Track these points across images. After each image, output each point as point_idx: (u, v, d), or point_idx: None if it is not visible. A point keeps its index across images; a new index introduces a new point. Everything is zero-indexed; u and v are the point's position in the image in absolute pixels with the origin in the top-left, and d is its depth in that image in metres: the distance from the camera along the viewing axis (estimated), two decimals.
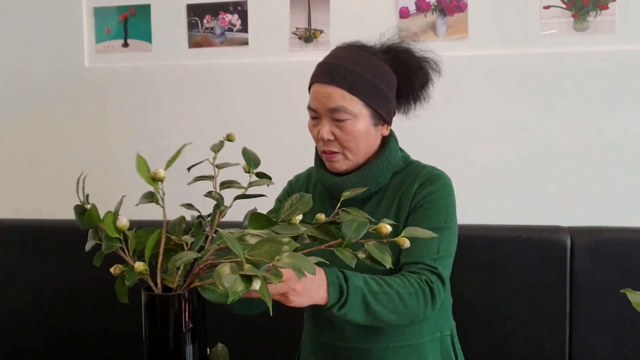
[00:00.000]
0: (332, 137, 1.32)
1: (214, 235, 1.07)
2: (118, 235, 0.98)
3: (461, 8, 2.10)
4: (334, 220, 1.07)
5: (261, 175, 1.18)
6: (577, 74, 2.04)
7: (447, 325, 1.42)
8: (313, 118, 1.35)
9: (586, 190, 2.05)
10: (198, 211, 1.18)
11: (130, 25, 2.37)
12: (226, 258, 0.91)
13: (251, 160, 1.19)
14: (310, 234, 1.05)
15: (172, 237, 1.09)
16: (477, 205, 2.07)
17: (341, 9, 2.19)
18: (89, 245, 1.02)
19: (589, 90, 2.03)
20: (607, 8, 2.01)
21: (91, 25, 2.40)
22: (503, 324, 1.80)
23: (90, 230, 1.05)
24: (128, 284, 0.98)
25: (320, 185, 1.42)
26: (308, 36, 2.22)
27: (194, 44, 2.32)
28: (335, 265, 1.15)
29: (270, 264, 0.87)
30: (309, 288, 1.09)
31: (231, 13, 2.27)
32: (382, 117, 1.34)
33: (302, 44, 2.23)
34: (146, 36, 2.36)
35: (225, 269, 0.84)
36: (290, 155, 1.99)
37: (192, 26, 2.32)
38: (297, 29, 2.23)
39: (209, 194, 1.17)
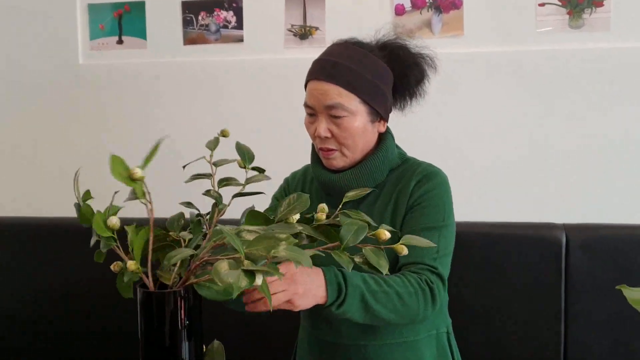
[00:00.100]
0: (329, 135, 1.31)
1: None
2: (111, 234, 0.97)
3: (457, 5, 2.10)
4: (333, 222, 1.07)
5: (257, 170, 1.18)
6: (573, 71, 2.04)
7: (443, 323, 1.42)
8: (310, 115, 1.35)
9: (582, 188, 2.06)
10: (197, 209, 1.17)
11: (125, 22, 2.36)
12: (223, 255, 0.90)
13: (246, 155, 1.19)
14: (308, 234, 1.05)
15: (171, 233, 1.09)
16: (472, 203, 2.07)
17: (336, 6, 2.18)
18: (92, 240, 1.01)
19: (585, 87, 2.04)
20: (602, 5, 2.01)
21: (85, 22, 2.39)
22: (498, 320, 1.80)
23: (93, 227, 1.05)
24: (126, 281, 0.98)
25: (317, 182, 1.41)
26: (303, 33, 2.21)
27: (189, 40, 2.31)
28: (333, 266, 1.15)
29: (268, 258, 0.87)
30: (309, 288, 1.10)
31: (226, 10, 2.27)
32: (379, 114, 1.34)
33: (297, 41, 2.22)
34: (141, 33, 2.35)
35: (223, 265, 0.84)
36: (287, 152, 1.99)
37: (187, 23, 2.31)
38: (292, 25, 2.22)
39: (207, 193, 1.17)
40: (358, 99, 1.29)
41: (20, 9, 2.41)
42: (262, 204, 1.27)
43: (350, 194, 1.14)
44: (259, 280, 0.84)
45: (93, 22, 2.38)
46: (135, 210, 1.14)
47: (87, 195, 1.00)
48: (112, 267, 1.01)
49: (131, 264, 0.96)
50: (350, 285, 1.15)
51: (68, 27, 2.39)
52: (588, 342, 1.76)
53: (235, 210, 1.17)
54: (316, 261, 1.01)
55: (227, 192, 1.17)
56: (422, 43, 1.40)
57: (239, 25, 2.27)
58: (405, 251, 1.03)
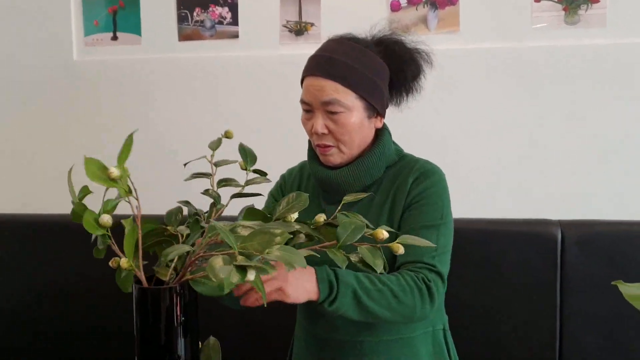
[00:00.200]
0: (326, 131, 1.31)
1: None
2: (104, 232, 0.97)
3: (452, 1, 2.10)
4: (332, 222, 1.07)
5: (258, 172, 1.18)
6: (568, 67, 2.04)
7: (440, 320, 1.42)
8: (306, 111, 1.34)
9: (577, 184, 2.06)
10: (195, 209, 1.17)
11: (119, 18, 2.35)
12: (218, 251, 0.90)
13: (248, 157, 1.20)
14: (305, 233, 1.05)
15: (169, 228, 1.09)
16: (467, 199, 2.07)
17: (332, 2, 2.18)
18: (93, 237, 1.01)
19: (581, 84, 2.04)
20: (597, 1, 2.01)
21: (79, 18, 2.38)
22: (494, 317, 1.80)
23: None
24: (123, 277, 0.98)
25: (314, 178, 1.41)
26: (299, 29, 2.21)
27: (184, 37, 2.31)
28: (328, 265, 1.16)
29: (261, 257, 0.87)
30: (298, 277, 1.11)
31: (221, 6, 2.26)
32: (376, 109, 1.34)
33: (292, 37, 2.22)
34: (135, 29, 2.34)
35: (218, 261, 0.84)
36: (283, 148, 1.99)
37: (182, 19, 2.30)
38: (287, 21, 2.22)
39: (206, 192, 1.17)
40: (354, 95, 1.29)
41: (14, 5, 2.40)
42: (260, 205, 1.27)
43: (348, 197, 1.14)
44: (251, 275, 0.83)
45: (87, 18, 2.37)
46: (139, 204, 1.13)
47: (86, 190, 0.99)
48: (110, 263, 1.00)
49: (124, 262, 0.96)
50: (342, 283, 1.15)
51: (62, 23, 2.37)
52: (583, 338, 1.76)
53: (234, 211, 1.18)
54: (311, 262, 1.01)
55: (225, 193, 1.17)
56: (417, 38, 1.40)
57: (234, 21, 2.26)
58: (401, 250, 1.03)
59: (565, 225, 1.79)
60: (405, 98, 1.43)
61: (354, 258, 1.02)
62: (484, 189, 2.11)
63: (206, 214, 1.16)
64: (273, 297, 1.09)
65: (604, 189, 2.05)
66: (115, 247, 0.98)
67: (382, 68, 1.34)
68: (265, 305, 0.90)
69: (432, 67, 1.41)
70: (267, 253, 0.86)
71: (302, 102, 1.34)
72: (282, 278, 1.09)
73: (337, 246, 1.00)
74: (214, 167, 1.18)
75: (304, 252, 0.96)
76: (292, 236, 0.96)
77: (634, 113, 2.02)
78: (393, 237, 1.05)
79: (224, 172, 1.19)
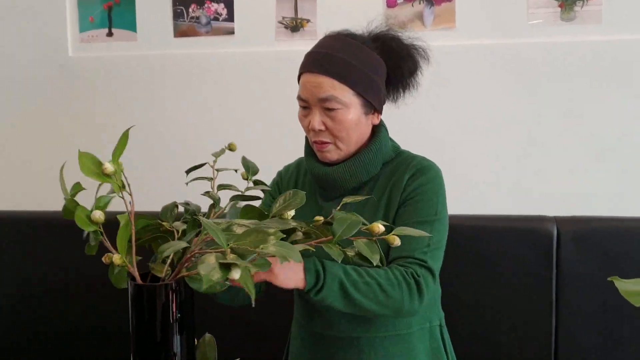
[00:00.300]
0: (323, 127, 1.31)
1: None
2: (96, 228, 0.96)
3: None
4: (329, 221, 1.07)
5: (258, 183, 1.20)
6: (565, 64, 2.04)
7: (436, 316, 1.42)
8: (303, 108, 1.34)
9: (573, 180, 2.06)
10: (194, 208, 1.17)
11: (115, 15, 2.34)
12: (213, 248, 0.90)
13: (250, 168, 1.22)
14: (302, 230, 1.05)
15: (164, 224, 1.08)
16: (464, 196, 2.07)
17: None
18: (85, 233, 1.01)
19: (577, 81, 2.04)
20: None
21: (75, 14, 2.37)
22: (489, 313, 1.80)
23: None
24: (116, 273, 0.97)
25: (310, 175, 1.41)
26: (295, 25, 2.20)
27: (179, 33, 2.30)
28: (314, 257, 1.16)
29: (257, 253, 0.87)
30: (286, 265, 1.11)
31: (217, 2, 2.25)
32: (373, 106, 1.34)
33: (288, 34, 2.21)
34: (131, 25, 2.33)
35: (211, 258, 0.84)
36: (280, 145, 1.98)
37: (177, 15, 2.29)
38: (283, 18, 2.21)
39: (207, 194, 1.17)
40: (352, 91, 1.29)
41: (9, 1, 2.39)
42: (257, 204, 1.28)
43: (348, 199, 1.14)
44: (235, 274, 0.83)
45: (83, 14, 2.36)
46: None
47: (78, 187, 0.99)
48: (103, 259, 1.00)
49: (117, 258, 0.95)
50: (328, 273, 1.16)
51: (57, 20, 2.37)
52: (579, 334, 1.77)
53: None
54: (306, 256, 1.01)
55: (225, 196, 1.17)
56: (414, 34, 1.39)
57: (230, 17, 2.26)
58: (397, 241, 1.03)
59: (561, 221, 1.79)
60: (402, 94, 1.42)
61: (350, 252, 1.02)
62: (480, 186, 2.11)
63: (204, 215, 1.16)
64: (262, 277, 1.08)
65: (602, 186, 2.05)
66: (108, 244, 0.98)
67: (379, 64, 1.33)
68: (254, 305, 0.90)
69: (429, 63, 1.40)
70: (262, 248, 0.86)
71: (299, 98, 1.34)
72: (272, 261, 1.08)
73: (333, 241, 1.00)
74: (216, 172, 1.20)
75: (300, 246, 0.96)
76: (285, 235, 0.96)
77: (631, 110, 2.02)
78: (389, 231, 1.05)
79: (223, 179, 1.20)
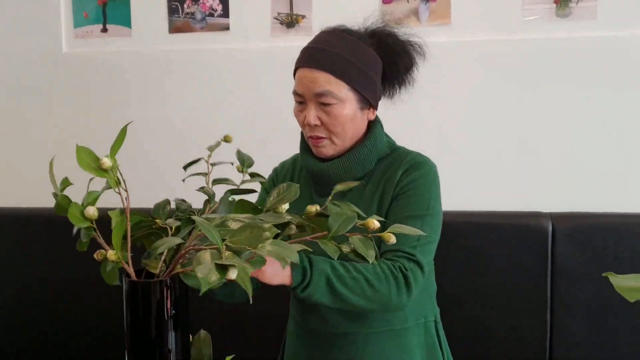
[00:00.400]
0: (318, 122, 1.31)
1: None
2: (89, 224, 0.96)
3: None
4: (323, 212, 1.06)
5: (254, 175, 1.19)
6: (560, 60, 2.04)
7: (432, 312, 1.43)
8: (299, 103, 1.34)
9: (568, 176, 2.06)
10: (190, 205, 1.17)
11: (109, 10, 2.33)
12: (208, 244, 0.90)
13: (245, 161, 1.21)
14: (296, 224, 1.04)
15: (157, 221, 1.08)
16: (459, 192, 2.07)
17: None
18: (75, 230, 1.00)
19: (571, 76, 2.04)
20: None
21: (69, 10, 2.35)
22: (485, 309, 1.81)
23: None
24: (109, 270, 0.97)
25: (305, 171, 1.41)
26: (290, 21, 2.20)
27: (174, 29, 2.29)
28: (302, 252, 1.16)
29: (253, 252, 0.86)
30: (273, 261, 1.09)
31: None
32: (368, 101, 1.34)
33: (283, 29, 2.21)
34: (125, 21, 2.32)
35: (205, 255, 0.83)
36: (275, 141, 1.98)
37: (172, 11, 2.29)
38: (278, 14, 2.21)
39: (201, 189, 1.17)
40: (347, 86, 1.29)
41: None
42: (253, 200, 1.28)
43: (339, 187, 1.14)
44: (232, 274, 0.83)
45: (77, 9, 2.35)
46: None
47: (66, 182, 0.99)
48: (95, 255, 1.00)
49: (111, 254, 0.95)
50: (315, 269, 1.15)
51: (51, 15, 2.35)
52: (573, 330, 1.77)
53: None
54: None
55: (220, 191, 1.17)
56: (410, 31, 1.39)
57: (225, 13, 2.25)
58: (392, 239, 1.03)
59: (556, 217, 1.79)
60: (398, 90, 1.42)
61: (345, 248, 1.01)
62: (476, 182, 2.11)
63: (199, 211, 1.16)
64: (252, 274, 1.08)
65: (597, 182, 2.05)
66: (101, 240, 0.98)
67: (375, 60, 1.33)
68: (251, 302, 0.89)
69: (425, 59, 1.40)
70: (260, 247, 0.85)
71: (295, 93, 1.33)
72: None
73: (328, 237, 1.00)
74: (210, 167, 1.19)
75: (297, 246, 0.96)
76: (279, 231, 0.95)
77: (627, 106, 2.02)
78: (383, 227, 1.05)
79: (219, 173, 1.20)
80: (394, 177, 1.34)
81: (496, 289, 1.79)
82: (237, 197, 1.13)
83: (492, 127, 2.10)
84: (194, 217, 0.90)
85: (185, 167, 1.21)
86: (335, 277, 1.17)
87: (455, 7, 2.09)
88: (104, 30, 2.34)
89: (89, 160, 0.91)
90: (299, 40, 1.41)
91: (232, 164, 1.21)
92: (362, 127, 1.36)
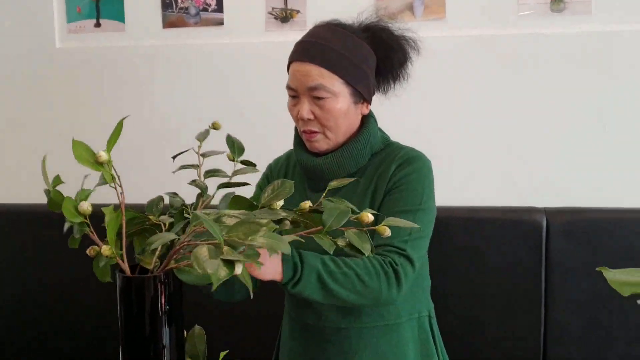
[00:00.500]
0: (311, 117, 1.30)
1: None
2: (83, 219, 0.95)
3: None
4: (317, 209, 1.06)
5: (246, 163, 1.18)
6: (554, 55, 2.04)
7: (426, 307, 1.43)
8: (292, 97, 1.34)
9: (563, 171, 2.07)
10: (182, 200, 1.16)
11: (103, 5, 2.32)
12: (203, 240, 0.89)
13: (236, 148, 1.19)
14: (291, 220, 1.04)
15: (150, 217, 1.07)
16: (453, 187, 2.07)
17: None
18: (66, 226, 1.00)
19: (565, 71, 2.04)
20: None
21: (62, 5, 2.34)
22: (479, 304, 1.81)
23: None
24: (101, 266, 0.97)
25: (299, 166, 1.41)
26: (284, 16, 2.19)
27: (168, 24, 2.28)
28: (314, 251, 1.16)
29: (245, 244, 0.86)
30: (264, 256, 1.09)
31: None
32: (362, 96, 1.33)
33: (278, 24, 2.20)
34: (119, 16, 2.31)
35: (203, 251, 0.83)
36: (269, 137, 1.97)
37: (166, 6, 2.28)
38: (273, 9, 2.20)
39: (193, 182, 1.16)
40: (340, 80, 1.29)
41: None
42: (248, 195, 1.27)
43: (333, 183, 1.13)
44: (238, 269, 0.83)
45: (70, 4, 2.33)
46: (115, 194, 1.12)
47: (57, 180, 0.98)
48: (87, 251, 0.99)
49: (105, 249, 0.94)
50: (306, 265, 1.15)
51: (44, 10, 2.34)
52: (568, 325, 1.78)
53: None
54: (294, 247, 1.00)
55: (212, 183, 1.16)
56: (404, 25, 1.39)
57: (219, 8, 2.24)
58: (387, 232, 1.03)
59: (550, 213, 1.80)
60: (392, 85, 1.42)
61: (341, 242, 1.01)
62: (470, 177, 2.12)
63: (192, 206, 1.15)
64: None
65: (591, 177, 2.05)
66: (95, 236, 0.97)
67: (369, 54, 1.33)
68: (252, 297, 0.89)
69: (419, 54, 1.40)
70: (251, 240, 0.85)
71: (288, 87, 1.33)
72: None
73: (323, 232, 0.99)
74: (201, 158, 1.17)
75: (289, 237, 0.96)
76: (277, 226, 0.95)
77: (621, 100, 2.02)
78: (377, 221, 1.04)
79: (211, 163, 1.18)
80: (387, 172, 1.34)
81: (490, 284, 1.80)
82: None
83: (486, 121, 2.10)
84: (195, 212, 0.89)
85: (174, 157, 1.20)
86: (326, 272, 1.17)
87: (450, 2, 2.09)
88: (98, 25, 2.33)
89: (85, 154, 0.90)
90: (293, 35, 1.40)
91: (224, 152, 1.19)
92: (356, 121, 1.36)
